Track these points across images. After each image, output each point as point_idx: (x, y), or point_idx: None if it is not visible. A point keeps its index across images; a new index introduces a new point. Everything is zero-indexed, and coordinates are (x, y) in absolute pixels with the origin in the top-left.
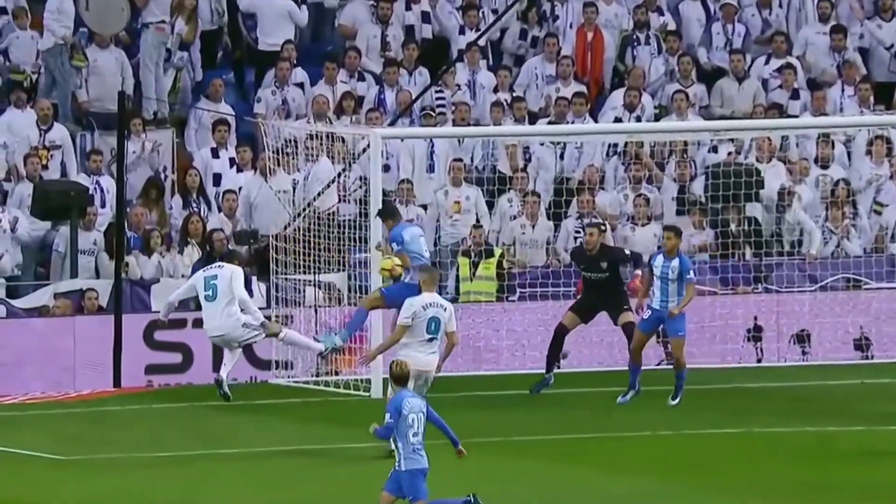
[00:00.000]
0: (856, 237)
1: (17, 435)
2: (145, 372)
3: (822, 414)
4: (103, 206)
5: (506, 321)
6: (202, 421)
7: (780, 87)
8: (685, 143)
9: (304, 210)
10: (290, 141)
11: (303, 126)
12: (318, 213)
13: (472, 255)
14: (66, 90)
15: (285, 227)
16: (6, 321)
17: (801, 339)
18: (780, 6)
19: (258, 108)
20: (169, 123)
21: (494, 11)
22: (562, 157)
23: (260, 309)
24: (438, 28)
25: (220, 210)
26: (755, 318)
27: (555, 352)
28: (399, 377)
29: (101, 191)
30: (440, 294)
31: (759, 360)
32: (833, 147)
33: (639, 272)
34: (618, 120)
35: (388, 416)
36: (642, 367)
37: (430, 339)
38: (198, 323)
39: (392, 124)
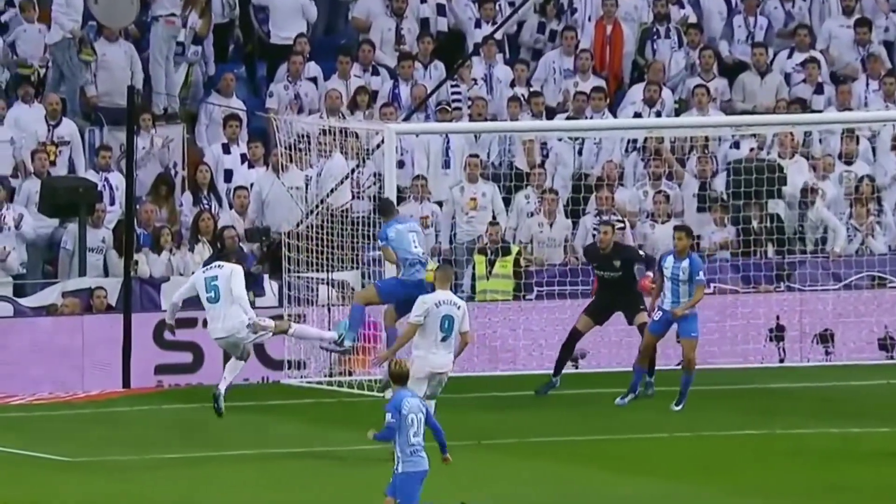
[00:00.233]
0: (881, 234)
1: (24, 436)
2: (155, 372)
3: (846, 415)
4: (112, 202)
5: (523, 320)
6: (212, 422)
7: (804, 81)
8: (706, 139)
9: (317, 207)
10: (303, 136)
11: (316, 121)
12: (332, 210)
13: (489, 252)
14: (74, 85)
15: (298, 225)
16: (13, 320)
17: (825, 338)
18: None
19: (270, 103)
20: (179, 119)
21: (511, 4)
22: (580, 152)
23: (272, 307)
24: (454, 21)
25: (231, 207)
26: (777, 318)
27: (565, 355)
28: (398, 376)
29: (110, 187)
30: (455, 293)
31: (781, 361)
32: (857, 143)
33: (649, 273)
34: (637, 115)
35: (388, 416)
36: (657, 368)
37: (444, 339)
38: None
39: (407, 119)
